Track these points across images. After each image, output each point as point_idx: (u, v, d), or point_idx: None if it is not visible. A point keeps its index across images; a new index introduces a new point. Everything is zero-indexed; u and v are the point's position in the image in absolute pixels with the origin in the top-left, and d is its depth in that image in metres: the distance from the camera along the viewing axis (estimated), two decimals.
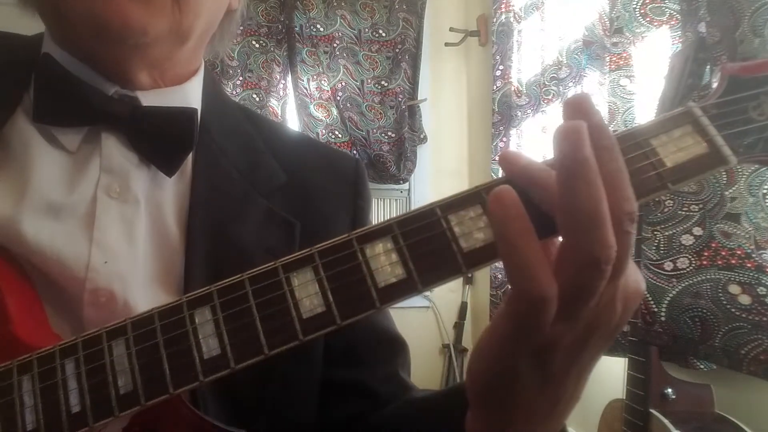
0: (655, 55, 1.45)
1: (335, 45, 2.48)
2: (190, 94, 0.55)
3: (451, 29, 2.65)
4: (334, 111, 2.47)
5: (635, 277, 0.32)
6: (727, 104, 0.33)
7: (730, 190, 1.17)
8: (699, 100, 0.33)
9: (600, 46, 1.66)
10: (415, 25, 2.53)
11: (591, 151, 0.28)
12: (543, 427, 0.34)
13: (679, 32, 1.31)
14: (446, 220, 0.32)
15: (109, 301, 0.45)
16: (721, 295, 1.18)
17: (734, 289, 1.16)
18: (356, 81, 2.48)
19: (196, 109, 0.50)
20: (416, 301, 2.51)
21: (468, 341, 2.56)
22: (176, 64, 0.52)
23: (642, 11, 1.46)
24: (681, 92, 1.10)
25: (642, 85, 1.49)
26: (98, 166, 0.48)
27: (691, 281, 1.25)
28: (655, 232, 1.31)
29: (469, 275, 2.58)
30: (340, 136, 2.47)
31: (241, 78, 2.40)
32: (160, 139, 0.49)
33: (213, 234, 0.51)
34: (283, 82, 2.47)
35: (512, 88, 2.21)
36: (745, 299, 1.14)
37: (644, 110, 1.47)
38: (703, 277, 1.22)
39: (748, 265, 1.14)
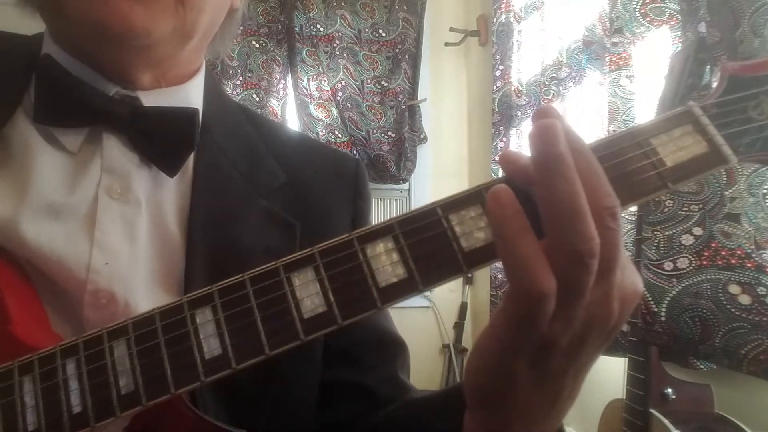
0: (655, 55, 1.45)
1: (335, 45, 2.48)
2: (192, 94, 0.55)
3: (451, 29, 2.65)
4: (334, 111, 2.47)
5: (633, 278, 0.32)
6: (727, 103, 0.33)
7: (730, 190, 1.17)
8: (699, 99, 0.33)
9: (600, 46, 1.66)
10: (415, 25, 2.53)
11: (566, 147, 0.29)
12: (541, 426, 0.35)
13: (679, 32, 1.31)
14: (447, 220, 0.32)
15: (109, 302, 0.45)
16: (721, 295, 1.18)
17: (734, 289, 1.16)
18: (356, 81, 2.48)
19: (197, 110, 0.50)
20: (416, 301, 2.51)
21: (468, 341, 2.56)
22: (178, 63, 0.52)
23: (642, 11, 1.46)
24: (681, 92, 1.10)
25: (642, 85, 1.49)
26: (99, 166, 0.48)
27: (691, 281, 1.25)
28: (655, 232, 1.31)
29: (470, 275, 2.58)
30: (340, 136, 2.47)
31: (241, 78, 2.40)
32: (161, 140, 0.49)
33: (214, 235, 0.51)
34: (283, 82, 2.47)
35: (512, 88, 2.21)
36: (745, 299, 1.14)
37: (644, 110, 1.47)
38: (703, 277, 1.22)
39: (748, 265, 1.14)
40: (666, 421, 1.07)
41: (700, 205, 1.23)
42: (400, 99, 2.48)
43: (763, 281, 1.11)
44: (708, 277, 1.21)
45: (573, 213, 0.28)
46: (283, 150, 0.60)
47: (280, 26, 2.47)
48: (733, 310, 1.16)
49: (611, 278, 0.30)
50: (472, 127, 2.72)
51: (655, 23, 1.43)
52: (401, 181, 2.53)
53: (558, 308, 0.29)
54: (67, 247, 0.45)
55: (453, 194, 0.33)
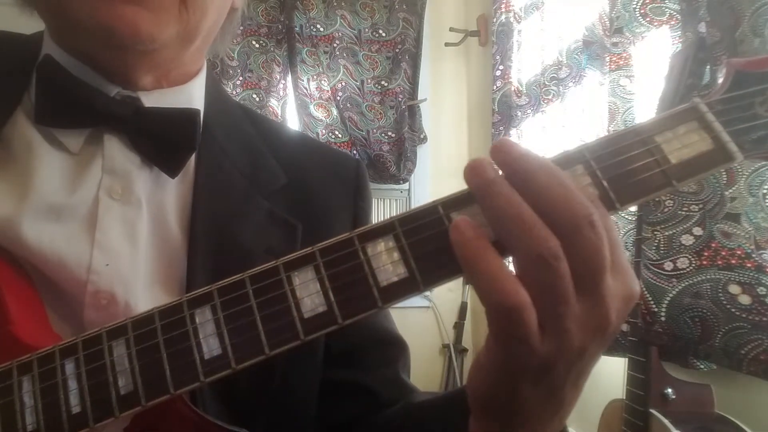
0: (655, 55, 1.45)
1: (335, 45, 2.47)
2: (193, 95, 0.54)
3: (451, 29, 2.65)
4: (334, 111, 2.47)
5: (627, 281, 0.32)
6: (733, 100, 0.33)
7: (730, 190, 1.17)
8: (704, 96, 0.33)
9: (600, 46, 1.66)
10: (415, 25, 2.53)
11: (494, 173, 0.31)
12: (546, 430, 0.34)
13: (679, 32, 1.31)
14: (449, 218, 0.32)
15: (110, 303, 0.45)
16: (721, 295, 1.18)
17: (734, 289, 1.16)
18: (356, 81, 2.48)
19: (198, 111, 0.50)
20: (416, 301, 2.51)
21: (468, 341, 2.56)
22: (180, 65, 0.52)
23: (642, 11, 1.46)
24: (681, 92, 1.10)
25: (642, 85, 1.49)
26: (100, 167, 0.48)
27: (691, 281, 1.25)
28: (655, 232, 1.31)
29: None
30: (340, 136, 2.47)
31: (241, 78, 2.40)
32: (162, 141, 0.49)
33: (215, 236, 0.50)
34: (283, 82, 2.47)
35: (512, 88, 2.20)
36: (745, 299, 1.14)
37: (644, 110, 1.47)
38: (703, 277, 1.22)
39: (748, 265, 1.14)
40: (666, 421, 1.07)
41: (700, 205, 1.23)
42: (400, 99, 2.48)
43: (763, 281, 1.11)
44: (708, 277, 1.21)
45: (517, 219, 0.29)
46: (284, 150, 0.60)
47: (280, 26, 2.46)
48: (733, 310, 1.16)
49: (600, 285, 0.30)
50: (472, 127, 2.71)
51: (655, 23, 1.43)
52: (401, 181, 2.53)
53: (546, 321, 0.29)
54: (67, 247, 0.45)
55: (454, 192, 0.32)
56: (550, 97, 1.98)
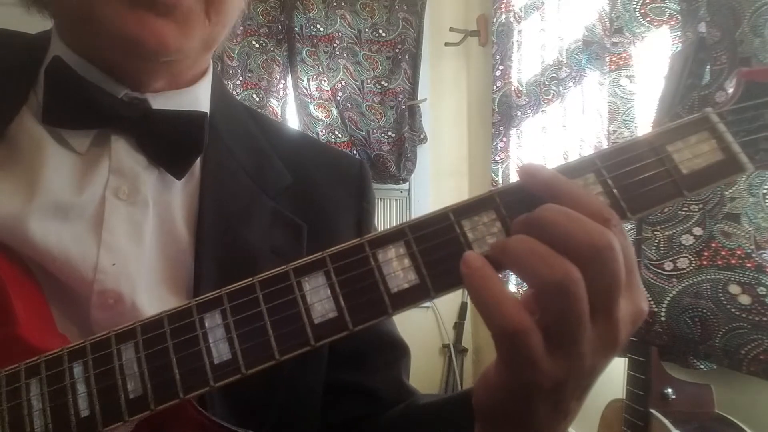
0: (655, 55, 1.45)
1: (335, 45, 2.47)
2: (200, 96, 0.55)
3: (451, 29, 2.65)
4: (334, 111, 2.46)
5: (638, 301, 0.32)
6: (744, 110, 0.33)
7: (730, 190, 1.17)
8: (708, 102, 0.33)
9: (600, 46, 1.66)
10: (415, 25, 2.53)
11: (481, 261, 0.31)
12: None
13: (679, 32, 1.31)
14: (459, 225, 0.32)
15: (117, 303, 0.45)
16: (721, 295, 1.18)
17: (734, 289, 1.16)
18: (356, 81, 2.48)
19: (206, 114, 0.50)
20: (421, 304, 2.50)
21: (468, 341, 2.56)
22: (191, 68, 0.53)
23: (642, 11, 1.46)
24: (681, 92, 1.10)
25: (642, 85, 1.49)
26: (107, 167, 0.48)
27: (691, 281, 1.25)
28: (655, 232, 1.31)
29: None
30: (340, 136, 2.47)
31: (241, 78, 2.40)
32: (169, 143, 0.49)
33: (221, 236, 0.51)
34: (283, 82, 2.46)
35: (512, 88, 2.20)
36: (745, 299, 1.14)
37: (644, 110, 1.47)
38: (703, 277, 1.22)
39: (748, 265, 1.14)
40: (666, 421, 1.07)
41: (700, 205, 1.23)
42: (400, 99, 2.48)
43: (763, 281, 1.11)
44: (708, 277, 1.21)
45: (529, 252, 0.30)
46: (288, 150, 0.60)
47: (280, 26, 2.46)
48: (733, 310, 1.16)
49: (614, 308, 0.30)
50: (472, 127, 2.71)
51: (655, 23, 1.43)
52: (401, 181, 2.53)
53: (562, 345, 0.30)
54: (74, 247, 0.45)
55: (465, 199, 0.32)
56: (550, 97, 1.98)
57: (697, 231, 1.24)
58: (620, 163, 0.32)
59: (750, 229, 1.15)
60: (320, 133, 2.43)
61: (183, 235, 0.50)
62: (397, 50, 2.50)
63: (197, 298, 0.33)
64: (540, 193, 0.32)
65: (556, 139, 1.94)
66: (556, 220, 0.30)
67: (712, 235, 1.21)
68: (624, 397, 1.19)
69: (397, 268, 0.31)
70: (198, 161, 0.52)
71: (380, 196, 2.60)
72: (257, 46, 2.44)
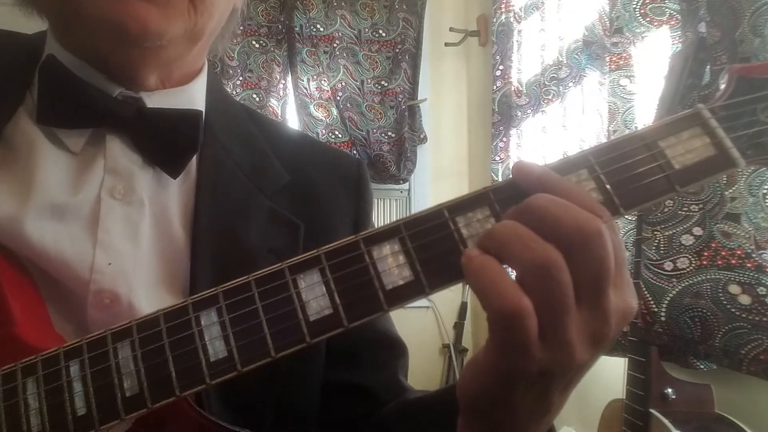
0: (655, 55, 1.45)
1: (335, 45, 2.47)
2: (195, 95, 0.55)
3: (451, 29, 2.65)
4: (334, 111, 2.46)
5: (627, 297, 0.32)
6: (736, 106, 0.33)
7: (730, 190, 1.17)
8: (707, 101, 0.33)
9: (600, 46, 1.66)
10: (415, 25, 2.53)
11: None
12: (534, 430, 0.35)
13: (679, 32, 1.31)
14: (454, 222, 0.32)
15: (113, 302, 0.45)
16: (721, 295, 1.18)
17: (734, 289, 1.16)
18: (356, 81, 2.48)
19: (200, 111, 0.50)
20: (416, 301, 2.50)
21: (468, 341, 2.56)
22: (184, 64, 0.52)
23: (642, 11, 1.46)
24: (681, 92, 1.10)
25: (642, 85, 1.49)
26: (102, 167, 0.48)
27: (691, 281, 1.25)
28: (655, 232, 1.31)
29: None
30: (340, 136, 2.47)
31: (241, 78, 2.40)
32: (164, 141, 0.49)
33: (218, 235, 0.50)
34: (283, 82, 2.46)
35: (512, 88, 2.20)
36: (745, 299, 1.14)
37: (644, 110, 1.47)
38: (703, 277, 1.22)
39: (748, 265, 1.14)
40: (666, 421, 1.07)
41: (700, 205, 1.23)
42: (400, 99, 2.48)
43: (763, 281, 1.11)
44: (708, 277, 1.21)
45: (513, 236, 0.30)
46: (286, 150, 0.60)
47: (280, 26, 2.46)
48: (733, 310, 1.16)
49: (603, 298, 0.30)
50: (472, 127, 2.71)
51: (655, 23, 1.43)
52: (401, 181, 2.53)
53: (547, 331, 0.30)
54: (70, 247, 0.45)
55: (460, 196, 0.33)
56: (550, 97, 1.98)
57: (697, 231, 1.24)
58: (613, 159, 0.32)
59: (750, 229, 1.15)
60: (320, 133, 2.43)
61: (179, 234, 0.50)
62: (397, 50, 2.50)
63: (193, 296, 0.33)
64: (533, 190, 0.32)
65: (556, 139, 1.94)
66: (544, 206, 0.30)
67: (712, 235, 1.21)
68: (624, 397, 1.19)
69: (392, 265, 0.32)
70: (194, 160, 0.52)
71: (380, 196, 2.60)
72: (257, 46, 2.44)
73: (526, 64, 2.18)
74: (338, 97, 2.45)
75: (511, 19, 2.26)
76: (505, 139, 2.25)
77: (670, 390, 1.15)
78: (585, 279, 0.29)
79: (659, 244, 1.31)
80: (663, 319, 1.28)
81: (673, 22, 1.37)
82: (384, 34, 2.52)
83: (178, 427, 0.40)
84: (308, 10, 2.45)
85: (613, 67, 1.55)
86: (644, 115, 1.48)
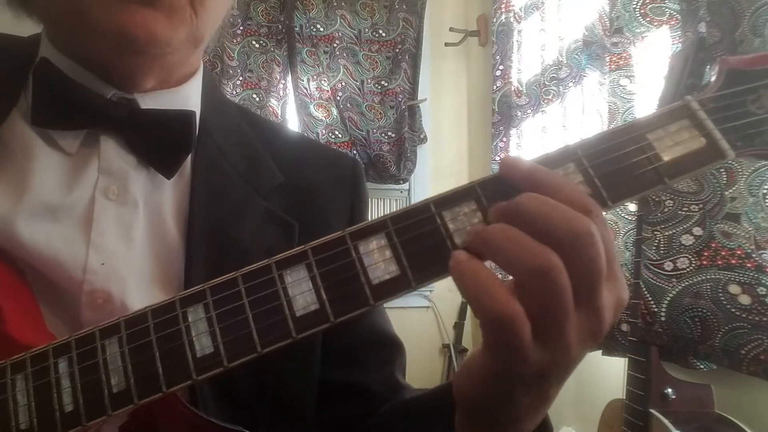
0: (655, 55, 1.44)
1: (335, 45, 2.47)
2: (190, 96, 0.55)
3: (451, 29, 2.65)
4: (334, 111, 2.47)
5: (620, 290, 0.32)
6: (725, 98, 0.33)
7: (730, 190, 1.17)
8: (697, 94, 0.33)
9: (600, 46, 1.66)
10: (415, 25, 2.53)
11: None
12: (530, 424, 0.35)
13: (679, 32, 1.31)
14: (440, 216, 0.32)
15: (106, 302, 0.45)
16: (721, 295, 1.18)
17: (734, 289, 1.16)
18: (356, 81, 2.48)
19: (194, 112, 0.50)
20: (416, 301, 2.51)
21: (468, 341, 2.55)
22: (183, 66, 0.53)
23: (642, 11, 1.46)
24: (681, 92, 1.10)
25: (642, 85, 1.49)
26: (96, 168, 0.48)
27: (691, 281, 1.24)
28: (655, 232, 1.31)
29: None
30: (340, 136, 2.47)
31: (241, 78, 2.40)
32: (158, 142, 0.49)
33: (213, 235, 0.50)
34: (283, 82, 2.47)
35: (512, 88, 2.20)
36: (745, 299, 1.14)
37: (644, 110, 1.47)
38: (703, 277, 1.22)
39: (748, 265, 1.14)
40: (666, 421, 1.07)
41: (700, 205, 1.23)
42: (400, 99, 2.48)
43: (763, 281, 1.11)
44: (708, 277, 1.21)
45: (510, 241, 0.30)
46: (281, 150, 0.60)
47: (280, 26, 2.46)
48: (733, 310, 1.15)
49: (597, 296, 0.30)
50: (472, 127, 2.71)
51: (655, 23, 1.43)
52: (401, 181, 2.53)
53: (547, 334, 0.30)
54: (63, 247, 0.45)
55: (445, 191, 0.32)
56: (550, 97, 1.97)
57: (697, 231, 1.24)
58: (601, 152, 0.32)
59: (750, 229, 1.14)
60: (320, 133, 2.44)
61: (173, 234, 0.50)
62: (397, 50, 2.50)
63: (181, 293, 0.33)
64: (521, 184, 0.32)
65: (556, 139, 1.94)
66: (534, 208, 0.30)
67: (712, 235, 1.20)
68: (624, 397, 1.19)
69: (378, 260, 0.32)
70: (188, 160, 0.52)
71: (380, 196, 2.61)
72: (257, 46, 2.44)
73: (526, 64, 2.18)
74: (338, 97, 2.45)
75: (511, 19, 2.26)
76: (505, 139, 2.25)
77: (670, 390, 1.15)
78: (580, 279, 0.29)
79: (659, 244, 1.31)
80: (663, 319, 1.28)
81: (673, 22, 1.36)
82: (384, 34, 2.52)
83: (170, 424, 0.40)
84: (308, 10, 2.46)
85: (613, 67, 1.55)
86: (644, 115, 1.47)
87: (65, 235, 0.45)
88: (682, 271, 1.26)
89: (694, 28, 1.20)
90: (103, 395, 0.32)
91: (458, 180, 2.78)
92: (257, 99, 2.40)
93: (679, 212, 1.27)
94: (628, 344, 1.19)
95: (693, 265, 1.24)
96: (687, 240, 1.26)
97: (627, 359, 1.20)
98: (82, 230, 0.46)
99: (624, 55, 1.52)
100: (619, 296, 0.32)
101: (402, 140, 2.45)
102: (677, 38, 1.32)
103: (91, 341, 0.34)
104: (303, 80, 2.44)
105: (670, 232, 1.28)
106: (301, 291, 0.32)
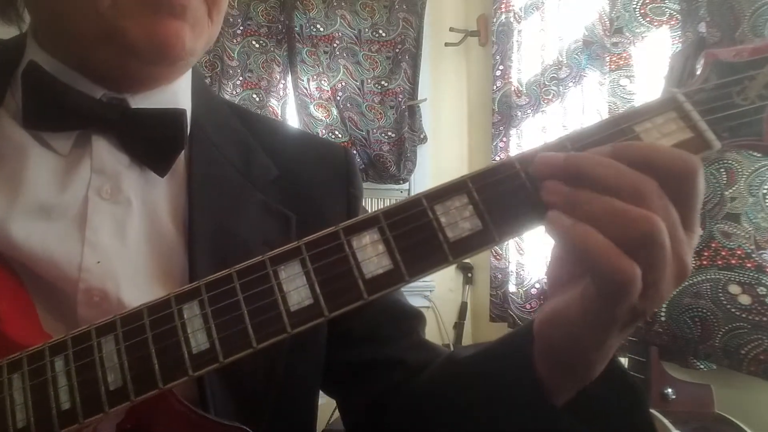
0: (655, 55, 1.44)
1: (335, 45, 2.48)
2: (179, 93, 0.55)
3: (451, 29, 2.65)
4: (334, 111, 2.47)
5: (694, 235, 0.34)
6: (711, 90, 0.33)
7: (730, 190, 1.17)
8: (682, 86, 0.33)
9: (600, 46, 1.66)
10: (415, 25, 2.53)
11: (566, 188, 0.32)
12: (602, 366, 0.37)
13: (679, 32, 1.31)
14: (432, 210, 0.32)
15: (102, 300, 0.45)
16: (721, 295, 1.18)
17: (734, 289, 1.16)
18: (356, 81, 2.48)
19: (184, 110, 0.51)
20: (416, 301, 2.51)
21: (468, 341, 2.55)
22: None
23: (642, 11, 1.46)
24: None
25: (642, 85, 1.49)
26: (89, 167, 0.48)
27: (691, 281, 1.24)
28: None
29: (470, 275, 2.58)
30: (340, 136, 2.47)
31: (241, 78, 2.40)
32: (150, 141, 0.49)
33: (214, 230, 0.51)
34: (283, 82, 2.47)
35: (512, 88, 2.20)
36: (745, 299, 1.14)
37: None
38: (703, 277, 1.22)
39: (748, 265, 1.14)
40: (666, 421, 1.07)
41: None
42: (400, 99, 2.48)
43: (763, 281, 1.11)
44: (708, 277, 1.21)
45: (612, 212, 0.31)
46: (272, 144, 0.61)
47: (280, 26, 2.47)
48: (733, 310, 1.15)
49: (680, 241, 0.32)
50: (472, 127, 2.71)
51: (655, 23, 1.43)
52: (401, 181, 2.53)
53: (649, 288, 0.31)
54: (58, 246, 0.45)
55: (438, 185, 0.33)
56: (550, 97, 1.97)
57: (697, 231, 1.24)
58: (589, 144, 0.33)
59: (750, 229, 1.14)
60: (320, 133, 2.43)
61: (170, 231, 0.50)
62: (397, 50, 2.50)
63: (176, 290, 0.34)
64: (567, 178, 0.32)
65: None
66: (604, 171, 0.31)
67: (712, 235, 1.20)
68: None
69: (372, 254, 0.32)
70: (182, 157, 0.53)
71: (380, 195, 2.61)
72: (257, 46, 2.44)
73: (526, 64, 2.18)
74: (338, 97, 2.45)
75: (511, 19, 2.25)
76: (505, 139, 2.25)
77: (670, 390, 1.15)
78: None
79: None
80: (663, 319, 1.28)
81: (673, 22, 1.36)
82: (384, 34, 2.52)
83: (167, 421, 0.40)
84: (308, 10, 2.46)
85: (613, 67, 1.55)
86: None
87: (60, 234, 0.46)
88: None
89: (694, 28, 1.21)
90: (100, 393, 0.33)
91: None
92: (257, 99, 2.40)
93: None
94: (628, 344, 1.19)
95: (693, 265, 1.24)
96: None
97: (627, 359, 1.20)
98: (77, 229, 0.46)
99: (624, 55, 1.52)
100: (694, 239, 0.33)
101: (402, 140, 2.45)
102: (677, 38, 1.32)
103: (87, 339, 0.34)
104: (303, 80, 2.45)
105: None
106: (295, 286, 0.32)
